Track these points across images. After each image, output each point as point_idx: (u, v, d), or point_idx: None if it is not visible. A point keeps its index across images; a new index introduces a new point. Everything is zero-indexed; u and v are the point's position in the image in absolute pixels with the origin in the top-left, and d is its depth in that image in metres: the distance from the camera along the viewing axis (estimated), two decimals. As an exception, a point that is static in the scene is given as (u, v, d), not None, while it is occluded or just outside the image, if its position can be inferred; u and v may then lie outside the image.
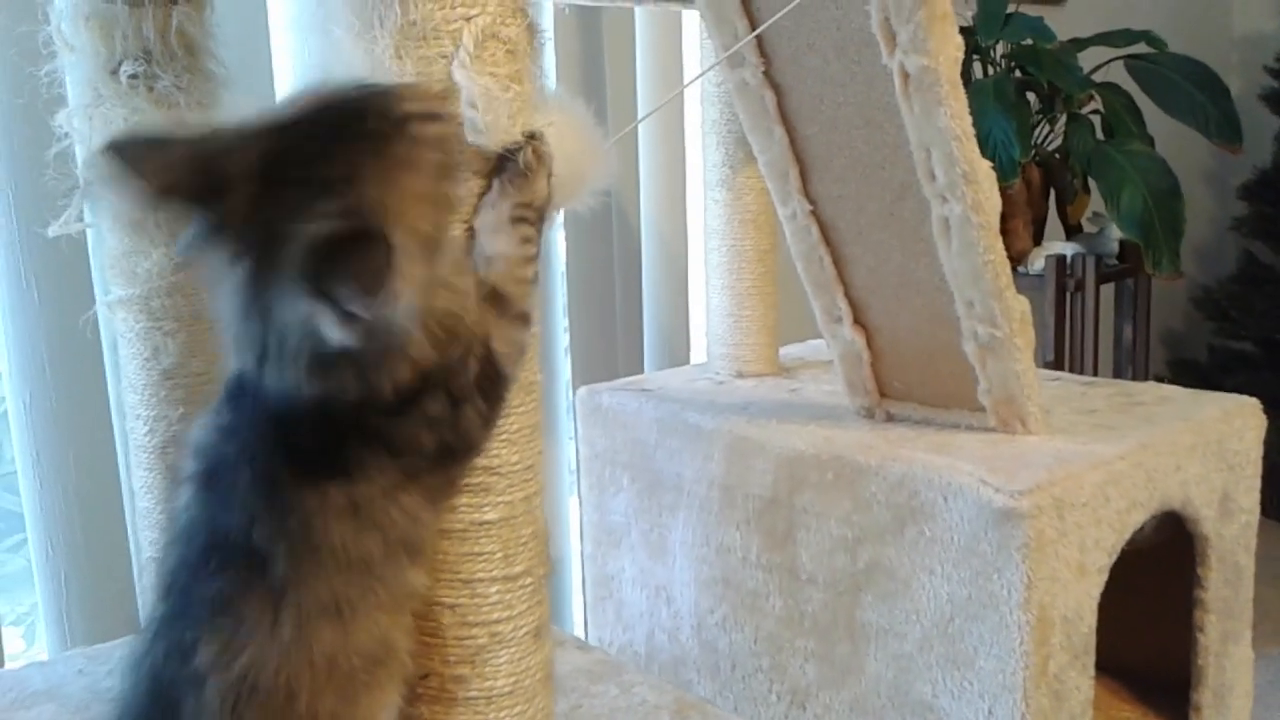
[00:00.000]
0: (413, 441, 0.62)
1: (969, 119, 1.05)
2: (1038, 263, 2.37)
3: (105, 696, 1.09)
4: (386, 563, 0.62)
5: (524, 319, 0.68)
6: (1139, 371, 2.52)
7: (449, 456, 0.65)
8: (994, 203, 1.07)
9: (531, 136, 0.68)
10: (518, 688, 0.72)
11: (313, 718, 0.60)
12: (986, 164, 1.06)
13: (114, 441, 1.46)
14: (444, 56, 0.65)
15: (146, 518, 1.09)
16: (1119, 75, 2.45)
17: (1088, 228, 2.52)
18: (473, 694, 0.71)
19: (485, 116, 0.66)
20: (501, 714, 0.71)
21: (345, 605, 0.60)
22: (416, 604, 0.66)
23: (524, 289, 0.67)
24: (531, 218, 0.68)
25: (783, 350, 1.64)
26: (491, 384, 0.66)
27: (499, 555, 0.71)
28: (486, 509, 0.70)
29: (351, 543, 0.60)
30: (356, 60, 0.65)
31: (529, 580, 0.72)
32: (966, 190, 1.06)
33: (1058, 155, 2.40)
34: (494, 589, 0.71)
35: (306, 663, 0.59)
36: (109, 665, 1.16)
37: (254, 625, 0.59)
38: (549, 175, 0.69)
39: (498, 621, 0.71)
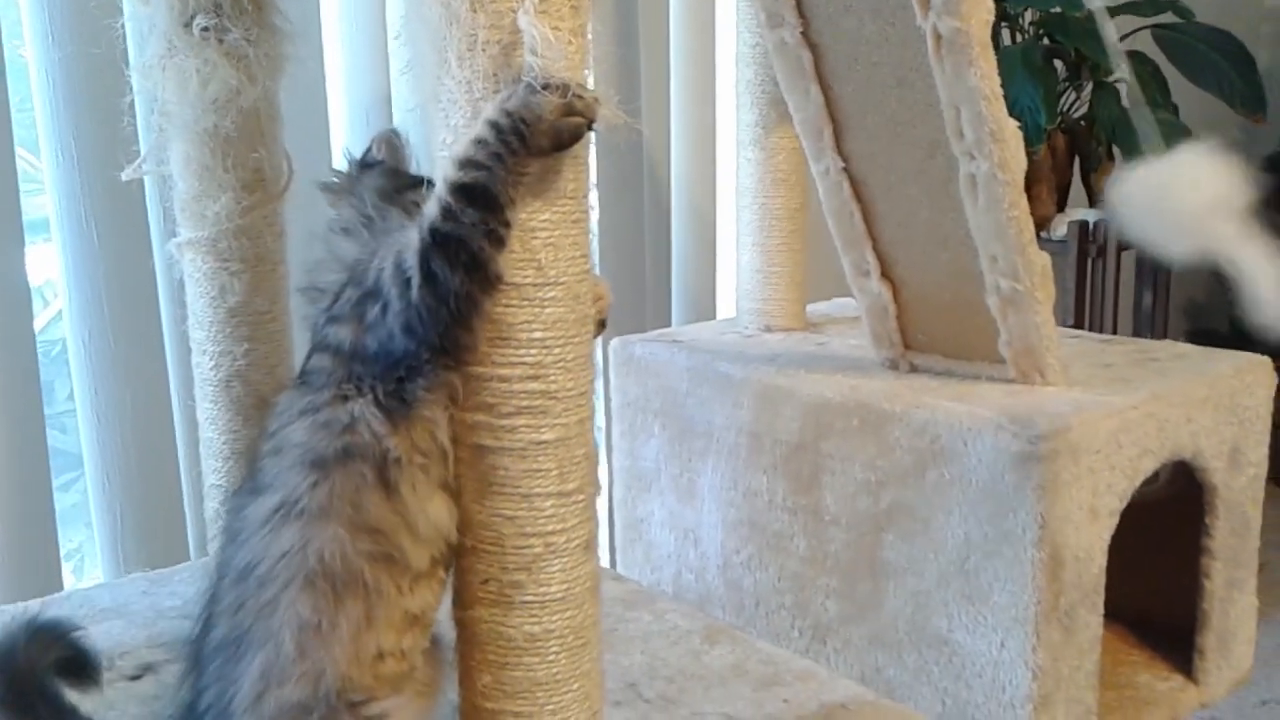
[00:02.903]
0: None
1: (998, 80, 1.09)
2: (1060, 229, 2.40)
3: (168, 615, 1.17)
4: None
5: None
6: (1158, 338, 2.56)
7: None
8: (1020, 161, 1.12)
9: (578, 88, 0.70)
10: (569, 594, 0.78)
11: None
12: (1013, 123, 1.11)
13: (168, 379, 1.53)
14: (514, 10, 0.70)
15: (209, 448, 1.15)
16: (1146, 44, 2.47)
17: (1111, 195, 2.56)
18: (528, 598, 0.77)
19: (546, 64, 0.71)
20: (554, 618, 0.77)
21: None
22: None
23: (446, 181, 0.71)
24: (505, 126, 0.69)
25: (809, 307, 1.69)
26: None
27: (554, 473, 0.76)
28: (544, 430, 0.76)
29: None
30: (434, 11, 0.71)
31: (581, 497, 0.78)
32: (994, 148, 1.11)
33: (1083, 123, 2.43)
34: (549, 503, 0.76)
35: None
36: (170, 587, 1.23)
37: None
38: (567, 113, 0.70)
39: (552, 533, 0.77)
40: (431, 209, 0.71)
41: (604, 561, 1.94)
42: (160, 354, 1.52)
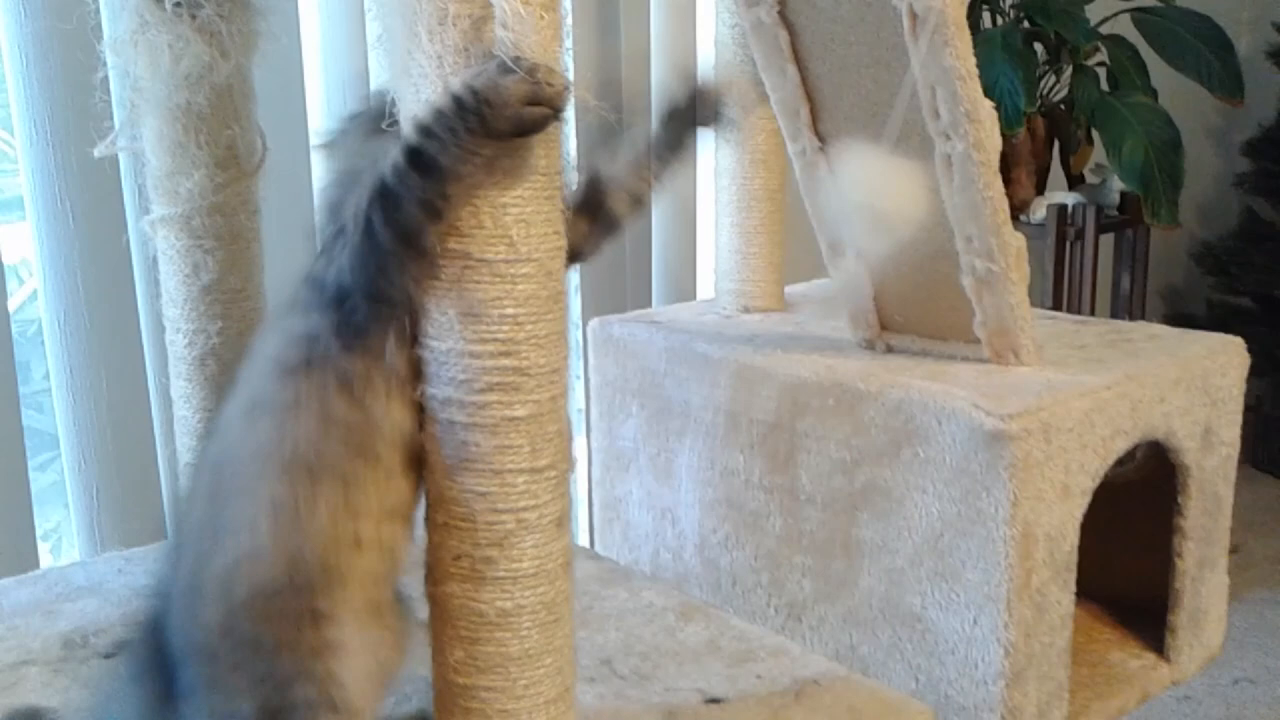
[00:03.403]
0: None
1: (973, 59, 1.09)
2: (1039, 212, 2.42)
3: (144, 594, 1.17)
4: None
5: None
6: (1135, 320, 2.58)
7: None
8: (994, 141, 1.13)
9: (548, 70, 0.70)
10: (541, 570, 0.78)
11: None
12: (989, 104, 1.11)
13: (144, 357, 1.52)
14: (484, -17, 0.70)
15: (184, 425, 1.15)
16: (1125, 28, 2.48)
17: (1090, 178, 2.57)
18: (500, 574, 0.77)
19: (517, 38, 0.71)
20: (526, 593, 0.78)
21: None
22: None
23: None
24: (468, 104, 0.69)
25: (788, 289, 1.70)
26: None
27: (526, 449, 0.76)
28: (516, 406, 0.76)
29: None
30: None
31: (553, 473, 0.78)
32: (969, 128, 1.11)
33: (1063, 106, 2.44)
34: (521, 479, 0.77)
35: None
36: (145, 565, 1.23)
37: None
38: (533, 102, 0.69)
39: (524, 509, 0.77)
40: (386, 163, 0.72)
41: (583, 541, 1.95)
42: (136, 333, 1.52)
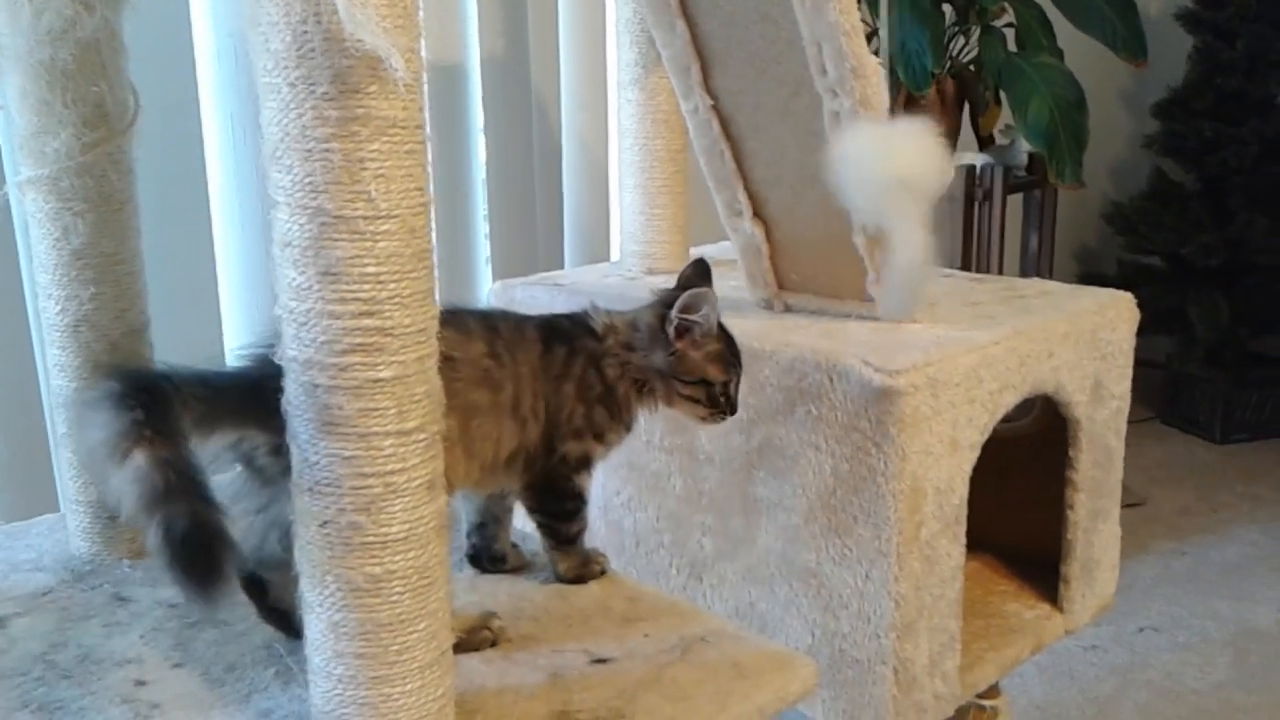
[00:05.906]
0: None
1: (857, 14, 1.09)
2: (949, 172, 2.43)
3: (22, 568, 1.13)
4: None
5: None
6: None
7: None
8: (881, 98, 1.12)
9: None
10: (412, 535, 0.77)
11: None
12: (874, 60, 1.11)
13: (28, 325, 1.48)
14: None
15: (59, 395, 1.12)
16: (1033, -12, 2.50)
17: (999, 139, 2.59)
18: (368, 539, 0.76)
19: (354, 6, 0.68)
20: (397, 558, 0.77)
21: None
22: None
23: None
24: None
25: (694, 250, 1.69)
26: None
27: (393, 411, 0.75)
28: (380, 367, 0.74)
29: None
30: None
31: (422, 436, 0.77)
32: (855, 85, 1.11)
33: (971, 67, 2.45)
34: (388, 443, 0.75)
35: None
36: (26, 540, 1.19)
37: None
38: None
39: (392, 473, 0.76)
40: None
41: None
42: (20, 301, 1.47)
